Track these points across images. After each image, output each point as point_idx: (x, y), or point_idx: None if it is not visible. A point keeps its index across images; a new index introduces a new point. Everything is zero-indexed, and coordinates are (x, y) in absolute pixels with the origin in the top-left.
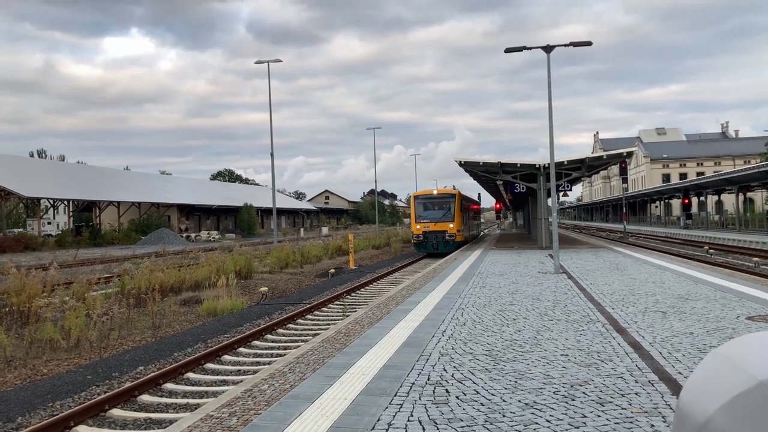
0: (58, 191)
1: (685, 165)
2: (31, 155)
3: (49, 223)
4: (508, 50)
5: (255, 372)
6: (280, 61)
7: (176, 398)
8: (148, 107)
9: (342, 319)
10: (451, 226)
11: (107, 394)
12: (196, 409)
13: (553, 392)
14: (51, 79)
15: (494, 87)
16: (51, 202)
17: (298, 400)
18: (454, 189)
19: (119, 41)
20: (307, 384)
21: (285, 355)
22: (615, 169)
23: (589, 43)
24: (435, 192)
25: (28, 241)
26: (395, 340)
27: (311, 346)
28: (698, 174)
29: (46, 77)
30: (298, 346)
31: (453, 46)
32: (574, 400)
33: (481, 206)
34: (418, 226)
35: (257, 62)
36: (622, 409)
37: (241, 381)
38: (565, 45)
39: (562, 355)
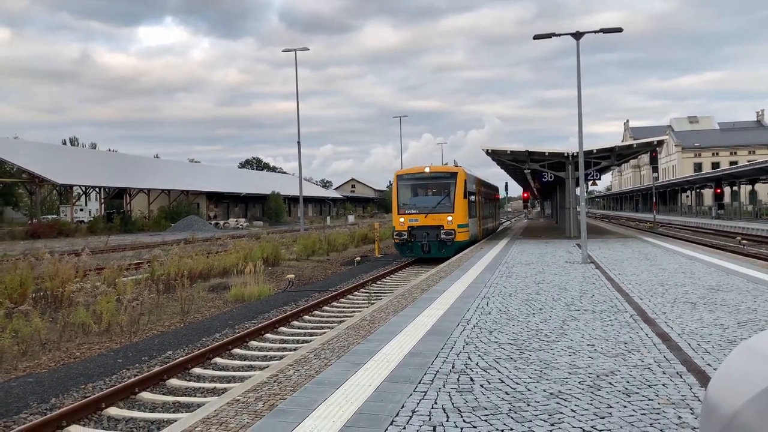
0: (91, 179)
1: (717, 154)
2: (64, 143)
3: (82, 210)
4: (536, 37)
5: (281, 358)
6: (307, 49)
7: (204, 383)
8: (180, 96)
9: (367, 307)
10: (450, 218)
11: (137, 377)
12: (223, 393)
13: (579, 382)
14: (86, 69)
15: (525, 75)
16: (83, 189)
17: (323, 385)
18: (457, 166)
19: (153, 30)
20: (332, 370)
21: (311, 341)
22: (645, 158)
23: (619, 30)
24: (427, 170)
25: (61, 227)
26: (420, 328)
27: (336, 333)
28: (731, 163)
29: (81, 67)
30: (324, 333)
31: (484, 34)
32: (599, 390)
33: (508, 195)
34: (401, 219)
35: (284, 50)
36: (649, 400)
37: (267, 366)
38: (595, 32)
39: (588, 345)
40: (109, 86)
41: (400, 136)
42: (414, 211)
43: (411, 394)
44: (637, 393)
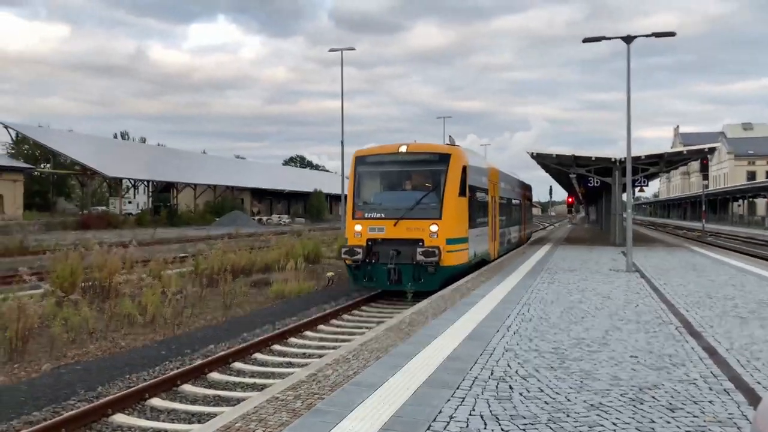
0: (139, 172)
1: None
2: (115, 137)
3: (130, 203)
4: (586, 40)
5: (320, 356)
6: (353, 49)
7: (244, 377)
8: (229, 93)
9: (406, 309)
10: (434, 228)
11: (179, 369)
12: (262, 389)
13: (621, 394)
14: (140, 65)
15: (573, 77)
16: (132, 182)
17: (360, 387)
18: (454, 145)
19: (206, 27)
20: (370, 371)
21: (350, 341)
22: (695, 164)
23: (672, 34)
24: (403, 149)
25: (110, 219)
26: (459, 333)
27: (375, 334)
28: None
29: (135, 62)
30: (363, 333)
31: (533, 35)
32: (642, 404)
33: (552, 199)
34: (356, 227)
35: (331, 50)
36: (694, 417)
37: (307, 365)
38: (647, 35)
39: (631, 356)
40: (160, 82)
41: (443, 137)
42: (378, 215)
43: (449, 400)
44: (682, 409)
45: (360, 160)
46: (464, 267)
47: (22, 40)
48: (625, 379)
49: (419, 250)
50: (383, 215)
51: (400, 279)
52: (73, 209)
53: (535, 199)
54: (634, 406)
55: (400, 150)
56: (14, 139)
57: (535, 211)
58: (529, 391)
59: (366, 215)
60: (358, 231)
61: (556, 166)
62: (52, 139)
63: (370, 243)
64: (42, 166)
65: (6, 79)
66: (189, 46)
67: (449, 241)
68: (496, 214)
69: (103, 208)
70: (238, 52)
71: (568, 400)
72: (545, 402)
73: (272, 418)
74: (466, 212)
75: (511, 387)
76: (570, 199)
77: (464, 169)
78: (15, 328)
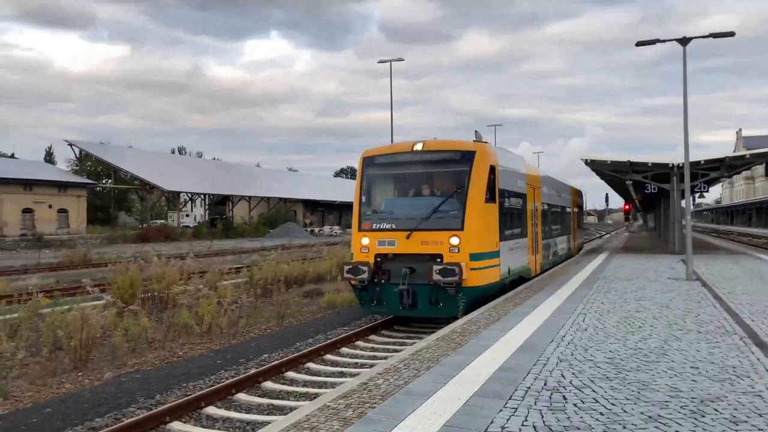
0: (196, 186)
1: None
2: (173, 152)
3: (187, 216)
4: (639, 44)
5: (371, 366)
6: (402, 60)
7: (297, 386)
8: (282, 107)
9: (457, 319)
10: (455, 241)
11: (234, 378)
12: (314, 398)
13: (681, 407)
14: (196, 81)
15: (628, 82)
16: (189, 195)
17: (411, 396)
18: (480, 141)
19: (259, 44)
20: (421, 381)
21: (400, 350)
22: (760, 169)
23: (731, 34)
24: (419, 147)
25: (168, 231)
26: (511, 343)
27: (426, 344)
28: None
29: (192, 79)
30: (414, 343)
31: (586, 41)
32: (704, 416)
33: (608, 207)
34: (363, 240)
35: (380, 62)
36: (759, 430)
37: (358, 374)
38: (704, 36)
39: (691, 367)
40: (216, 97)
41: (494, 145)
42: (388, 226)
43: (501, 410)
44: (746, 422)
45: (368, 161)
46: (494, 287)
47: (86, 61)
48: (685, 391)
49: (436, 268)
50: (394, 226)
51: (415, 303)
52: (133, 223)
53: (590, 207)
54: (695, 418)
55: (414, 148)
56: (78, 156)
57: (591, 219)
58: (583, 402)
59: (374, 226)
60: (364, 245)
61: (612, 172)
62: (113, 156)
63: (379, 259)
64: (104, 181)
65: (71, 98)
66: (243, 62)
67: (474, 257)
68: (537, 224)
69: (162, 221)
70: (290, 66)
71: (625, 411)
72: (600, 413)
73: (323, 426)
74: (495, 221)
75: (564, 397)
76: (626, 207)
77: (492, 169)
78: (79, 337)
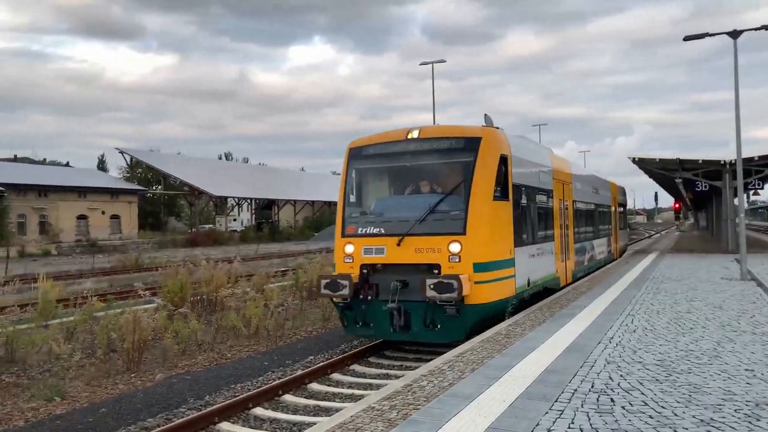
0: (243, 191)
1: None
2: (220, 158)
3: (235, 220)
4: (687, 38)
5: (415, 368)
6: (444, 61)
7: (342, 388)
8: (326, 111)
9: (461, 343)
10: (455, 248)
11: (281, 380)
12: (359, 399)
13: (735, 410)
14: (242, 88)
15: (678, 78)
16: (236, 200)
17: (456, 398)
18: (488, 127)
19: (303, 49)
20: (465, 383)
21: (444, 352)
22: None
23: None
24: (415, 134)
25: (216, 236)
26: (558, 345)
27: (471, 346)
28: None
29: (238, 86)
30: (458, 345)
31: (634, 36)
32: (759, 420)
33: (658, 206)
34: (347, 248)
35: (422, 63)
36: None
37: (402, 376)
38: (756, 29)
39: (746, 369)
40: (261, 104)
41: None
42: (375, 230)
43: (547, 412)
44: None
45: (355, 153)
46: (507, 303)
47: (136, 71)
48: (740, 394)
49: (429, 281)
50: (383, 230)
51: (408, 324)
52: (183, 227)
53: (639, 205)
54: (750, 422)
55: (409, 136)
56: (129, 163)
57: (639, 218)
58: (632, 405)
59: (360, 231)
60: (348, 254)
61: (660, 171)
62: (162, 163)
63: (365, 271)
64: (154, 187)
65: (122, 108)
66: (287, 68)
67: (479, 267)
68: (567, 225)
69: (210, 225)
70: (333, 71)
71: (675, 414)
72: (650, 416)
73: (368, 428)
74: (508, 223)
75: (612, 400)
76: (677, 205)
77: (504, 159)
78: (131, 339)
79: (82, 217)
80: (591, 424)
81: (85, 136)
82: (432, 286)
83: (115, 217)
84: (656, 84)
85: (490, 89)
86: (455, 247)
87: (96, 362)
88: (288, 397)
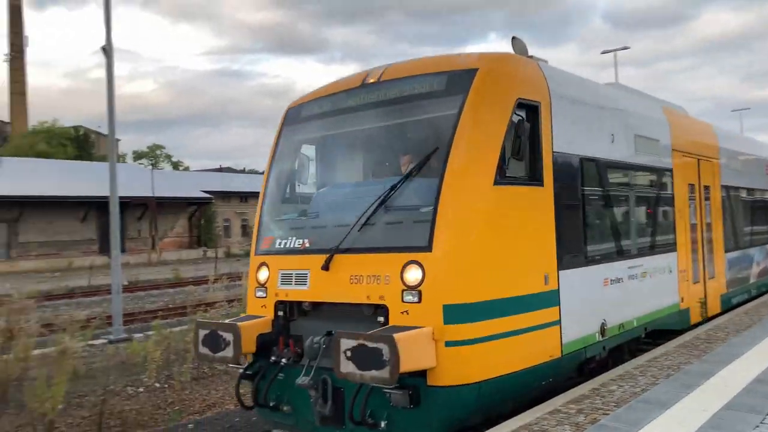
0: None
1: None
2: None
3: None
4: None
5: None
6: (628, 48)
7: None
8: None
9: (701, 324)
10: (414, 276)
11: None
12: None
13: None
14: None
15: None
16: None
17: (648, 404)
18: (513, 53)
19: (479, 48)
20: (659, 389)
21: (636, 356)
22: None
23: None
24: (372, 78)
25: None
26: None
27: (665, 350)
28: None
29: None
30: (652, 349)
31: None
32: None
33: None
34: (261, 274)
35: (603, 52)
36: None
37: (590, 379)
38: None
39: None
40: None
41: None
42: (297, 244)
43: (757, 426)
44: None
45: (291, 116)
46: (541, 375)
47: (322, 82)
48: None
49: (345, 345)
50: (307, 243)
51: (339, 415)
52: None
53: None
54: None
55: (368, 80)
56: None
57: None
58: None
59: (277, 245)
60: (261, 283)
61: None
62: None
63: (281, 313)
64: None
65: None
66: None
67: (456, 313)
68: (709, 223)
69: None
70: None
71: None
72: None
73: (554, 430)
74: (541, 225)
75: None
76: None
77: (528, 109)
78: None
79: None
80: None
81: None
82: (349, 354)
83: None
84: None
85: (681, 73)
86: (413, 275)
87: None
88: None
